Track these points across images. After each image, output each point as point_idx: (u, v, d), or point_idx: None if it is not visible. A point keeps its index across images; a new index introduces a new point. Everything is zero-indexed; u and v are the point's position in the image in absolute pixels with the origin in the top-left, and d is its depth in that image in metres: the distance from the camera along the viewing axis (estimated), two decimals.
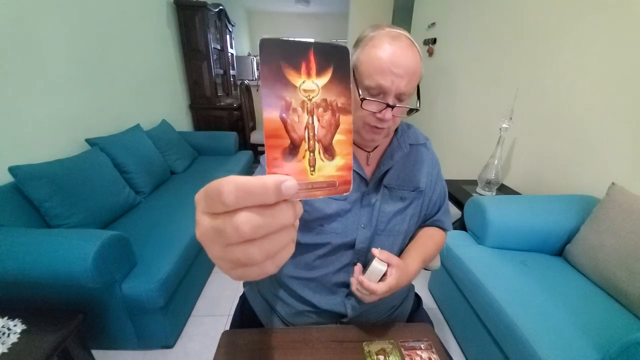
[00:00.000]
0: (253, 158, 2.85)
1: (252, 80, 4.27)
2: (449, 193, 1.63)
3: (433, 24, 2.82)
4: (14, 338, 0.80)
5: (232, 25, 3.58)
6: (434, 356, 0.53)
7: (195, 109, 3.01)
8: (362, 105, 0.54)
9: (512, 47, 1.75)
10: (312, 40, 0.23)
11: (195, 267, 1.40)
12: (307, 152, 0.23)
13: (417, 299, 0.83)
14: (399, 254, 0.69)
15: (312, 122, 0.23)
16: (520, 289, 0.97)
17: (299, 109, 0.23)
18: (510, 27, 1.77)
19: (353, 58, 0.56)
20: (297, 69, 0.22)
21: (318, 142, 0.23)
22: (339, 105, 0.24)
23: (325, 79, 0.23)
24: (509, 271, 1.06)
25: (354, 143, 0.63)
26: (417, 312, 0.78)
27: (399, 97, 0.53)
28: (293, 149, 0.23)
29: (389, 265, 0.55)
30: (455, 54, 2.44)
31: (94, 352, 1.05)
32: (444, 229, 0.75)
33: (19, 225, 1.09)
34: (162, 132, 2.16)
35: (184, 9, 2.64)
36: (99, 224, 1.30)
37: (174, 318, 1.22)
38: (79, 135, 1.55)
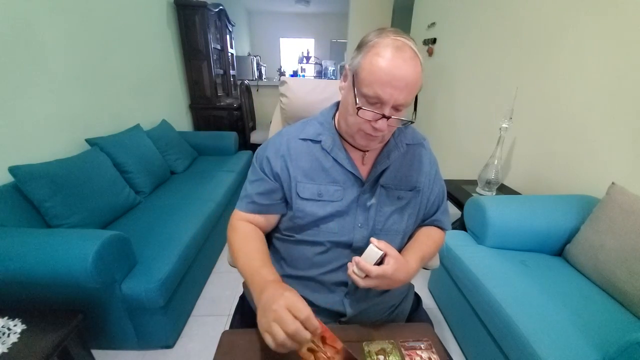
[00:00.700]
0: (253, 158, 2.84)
1: (252, 80, 4.27)
2: (449, 193, 1.63)
3: (433, 24, 2.82)
4: (14, 338, 0.80)
5: (232, 25, 3.58)
6: (434, 356, 0.53)
7: (195, 109, 3.01)
8: (359, 114, 0.54)
9: (512, 47, 1.75)
10: None
11: (195, 267, 1.40)
12: None
13: (417, 298, 0.83)
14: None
15: None
16: (520, 289, 0.97)
17: None
18: (510, 27, 1.77)
19: (355, 62, 0.56)
20: None
21: None
22: None
23: None
24: (509, 271, 1.06)
25: (349, 143, 0.64)
26: (417, 311, 0.78)
27: (396, 108, 0.54)
28: None
29: (387, 255, 0.55)
30: (455, 54, 2.44)
31: (94, 352, 1.05)
32: (442, 229, 0.75)
33: (19, 225, 1.09)
34: (162, 132, 2.16)
35: (184, 9, 2.64)
36: (98, 224, 1.30)
37: (174, 318, 1.22)
38: (79, 135, 1.55)
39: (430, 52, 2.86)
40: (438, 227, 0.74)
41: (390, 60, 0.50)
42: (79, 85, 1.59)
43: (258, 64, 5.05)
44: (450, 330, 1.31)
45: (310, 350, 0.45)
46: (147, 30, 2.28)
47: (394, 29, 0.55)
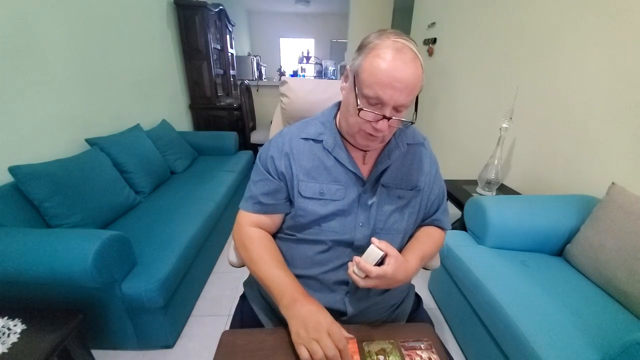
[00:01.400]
0: (253, 158, 2.84)
1: (252, 80, 4.26)
2: (449, 193, 1.63)
3: (433, 23, 2.82)
4: (14, 338, 0.80)
5: (232, 25, 3.58)
6: (434, 356, 0.53)
7: (195, 109, 3.01)
8: (360, 115, 0.55)
9: (513, 47, 1.75)
10: None
11: (195, 267, 1.40)
12: None
13: (417, 298, 0.83)
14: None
15: None
16: (520, 289, 0.97)
17: None
18: (510, 27, 1.77)
19: (355, 63, 0.56)
20: None
21: None
22: None
23: None
24: (509, 271, 1.06)
25: (349, 143, 0.64)
26: (417, 311, 0.78)
27: (397, 109, 0.54)
28: None
29: (387, 255, 0.55)
30: (456, 54, 2.44)
31: (94, 352, 1.05)
32: (442, 228, 0.75)
33: (19, 225, 1.09)
34: (162, 132, 2.16)
35: (184, 9, 2.64)
36: (98, 224, 1.30)
37: (174, 318, 1.22)
38: (79, 135, 1.55)
39: (430, 52, 2.86)
40: (438, 226, 0.75)
41: (390, 62, 0.51)
42: (79, 85, 1.59)
43: (258, 64, 5.05)
44: (451, 330, 1.31)
45: None
46: (147, 30, 2.28)
47: (395, 30, 0.55)
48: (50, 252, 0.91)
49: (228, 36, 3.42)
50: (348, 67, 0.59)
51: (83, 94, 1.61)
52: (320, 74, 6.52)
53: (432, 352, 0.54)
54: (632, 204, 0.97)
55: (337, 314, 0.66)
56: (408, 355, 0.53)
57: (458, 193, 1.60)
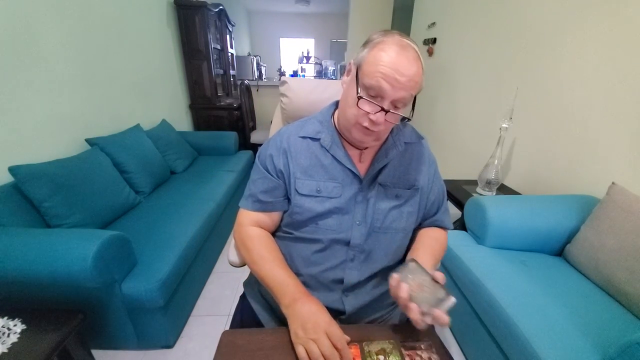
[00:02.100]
0: (253, 158, 2.84)
1: (252, 80, 4.26)
2: (449, 193, 1.63)
3: (433, 23, 2.82)
4: (14, 338, 0.80)
5: (232, 25, 3.58)
6: (434, 356, 0.53)
7: (195, 109, 3.01)
8: (358, 104, 0.55)
9: (513, 47, 1.75)
10: None
11: (195, 267, 1.40)
12: None
13: None
14: (399, 251, 0.69)
15: None
16: (520, 289, 0.97)
17: None
18: (510, 27, 1.77)
19: (359, 56, 0.57)
20: None
21: None
22: None
23: None
24: (509, 271, 1.06)
25: (346, 140, 0.64)
26: None
27: (395, 104, 0.55)
28: None
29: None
30: (456, 54, 2.44)
31: (94, 352, 1.05)
32: (445, 228, 0.75)
33: (19, 225, 1.09)
34: (162, 132, 2.16)
35: (184, 9, 2.64)
36: (98, 224, 1.30)
37: (174, 318, 1.22)
38: (79, 135, 1.55)
39: (430, 52, 2.86)
40: (440, 227, 0.75)
41: (394, 56, 0.52)
42: (79, 85, 1.59)
43: (258, 64, 5.05)
44: (451, 330, 1.31)
45: None
46: (147, 30, 2.28)
47: (399, 31, 0.57)
48: (50, 252, 0.91)
49: (228, 36, 3.42)
50: (352, 61, 0.60)
51: (83, 94, 1.61)
52: (320, 74, 6.52)
53: (432, 352, 0.54)
54: (632, 204, 0.97)
55: (336, 313, 0.66)
56: (408, 355, 0.53)
57: (458, 193, 1.60)
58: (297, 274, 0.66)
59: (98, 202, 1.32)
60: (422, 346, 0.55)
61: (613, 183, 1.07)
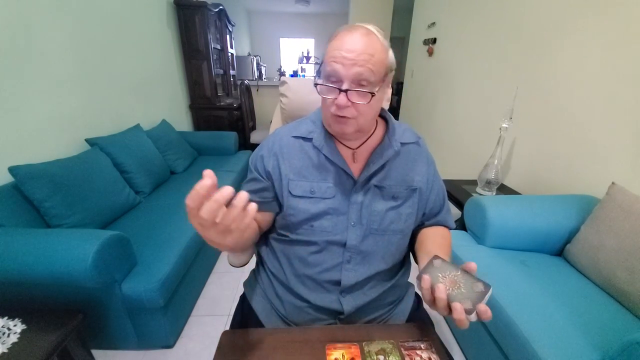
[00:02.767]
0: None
1: (252, 80, 4.27)
2: (449, 193, 1.63)
3: (433, 24, 2.82)
4: (14, 338, 0.80)
5: (232, 25, 3.58)
6: (434, 356, 0.53)
7: (195, 109, 3.01)
8: (318, 90, 0.56)
9: (513, 46, 1.75)
10: None
11: (195, 267, 1.40)
12: None
13: (418, 298, 0.83)
14: (397, 253, 0.69)
15: None
16: (520, 289, 0.97)
17: None
18: (510, 27, 1.77)
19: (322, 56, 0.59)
20: None
21: None
22: None
23: None
24: (509, 271, 1.06)
25: (336, 139, 0.64)
26: (417, 311, 0.78)
27: (357, 83, 0.54)
28: None
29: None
30: (455, 54, 2.44)
31: (94, 352, 1.05)
32: (448, 227, 0.75)
33: (19, 225, 1.09)
34: (162, 132, 2.16)
35: (184, 9, 2.64)
36: (98, 224, 1.30)
37: (174, 318, 1.22)
38: (79, 135, 1.55)
39: (430, 52, 2.86)
40: (444, 226, 0.74)
41: (342, 39, 0.54)
42: (79, 85, 1.59)
43: (258, 64, 5.05)
44: (451, 330, 1.31)
45: None
46: (147, 30, 2.28)
47: (362, 24, 0.58)
48: (50, 252, 0.91)
49: (228, 36, 3.42)
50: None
51: (83, 94, 1.61)
52: None
53: (432, 352, 0.54)
54: (632, 204, 0.97)
55: (335, 313, 0.66)
56: (408, 355, 0.53)
57: (458, 193, 1.60)
58: (297, 274, 0.66)
59: (98, 202, 1.32)
60: (422, 346, 0.55)
61: (613, 183, 1.07)
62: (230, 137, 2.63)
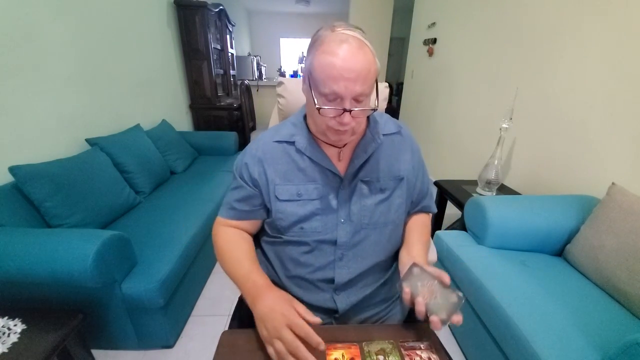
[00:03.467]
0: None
1: (252, 80, 4.27)
2: (449, 193, 1.63)
3: (433, 24, 2.82)
4: (14, 338, 0.80)
5: (232, 25, 3.58)
6: (434, 356, 0.53)
7: (195, 109, 3.02)
8: (320, 113, 0.54)
9: (512, 47, 1.75)
10: None
11: (195, 267, 1.40)
12: None
13: None
14: (390, 245, 0.69)
15: None
16: (520, 289, 0.97)
17: None
18: (510, 27, 1.77)
19: (307, 63, 0.56)
20: None
21: None
22: None
23: None
24: (509, 271, 1.06)
25: (323, 141, 0.64)
26: (414, 311, 0.78)
27: (357, 99, 0.53)
28: None
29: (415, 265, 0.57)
30: (455, 54, 2.44)
31: (94, 352, 1.05)
32: (430, 212, 0.78)
33: (19, 225, 1.09)
34: (162, 132, 2.16)
35: (184, 9, 2.64)
36: (99, 224, 1.30)
37: (174, 318, 1.22)
38: (79, 135, 1.55)
39: (430, 52, 2.86)
40: (426, 212, 0.77)
41: (337, 54, 0.50)
42: (79, 85, 1.59)
43: (258, 64, 5.06)
44: (450, 330, 1.31)
45: None
46: (147, 30, 2.28)
47: (341, 22, 0.55)
48: (51, 252, 0.91)
49: (228, 36, 3.42)
50: (302, 68, 0.60)
51: (83, 94, 1.61)
52: None
53: (432, 352, 0.54)
54: (632, 204, 0.97)
55: (330, 312, 0.66)
56: (408, 355, 0.53)
57: (458, 193, 1.60)
58: (290, 275, 0.66)
59: (98, 202, 1.32)
60: (422, 346, 0.55)
61: (613, 183, 1.07)
62: (230, 137, 2.62)
